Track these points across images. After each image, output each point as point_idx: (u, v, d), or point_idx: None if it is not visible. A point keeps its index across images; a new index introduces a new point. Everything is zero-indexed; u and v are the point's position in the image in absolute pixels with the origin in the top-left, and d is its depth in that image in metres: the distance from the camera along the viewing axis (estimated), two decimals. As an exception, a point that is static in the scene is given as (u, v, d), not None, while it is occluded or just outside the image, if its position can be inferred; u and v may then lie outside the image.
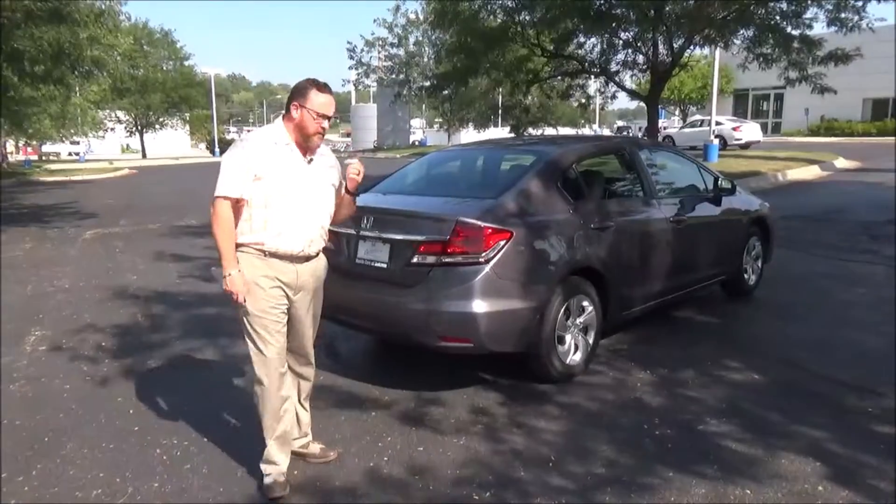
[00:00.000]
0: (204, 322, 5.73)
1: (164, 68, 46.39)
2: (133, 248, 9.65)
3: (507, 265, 3.79)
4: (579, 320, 4.25)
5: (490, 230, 3.77)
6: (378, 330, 4.13)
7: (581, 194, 4.44)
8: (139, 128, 47.66)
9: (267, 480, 3.03)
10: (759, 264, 6.26)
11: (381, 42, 41.51)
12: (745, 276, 6.03)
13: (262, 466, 3.07)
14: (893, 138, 31.22)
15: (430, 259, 3.82)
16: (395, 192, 4.61)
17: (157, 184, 22.37)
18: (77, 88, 22.42)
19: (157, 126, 48.43)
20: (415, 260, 3.87)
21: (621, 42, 15.23)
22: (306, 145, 2.94)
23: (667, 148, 5.46)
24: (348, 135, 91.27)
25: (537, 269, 3.95)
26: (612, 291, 4.41)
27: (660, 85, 14.21)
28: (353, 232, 4.23)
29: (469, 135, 57.91)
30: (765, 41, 13.60)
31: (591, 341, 4.34)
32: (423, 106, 50.54)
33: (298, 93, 2.89)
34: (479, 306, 3.72)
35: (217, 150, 48.01)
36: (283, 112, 2.98)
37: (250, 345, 2.98)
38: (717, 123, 25.70)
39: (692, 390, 4.05)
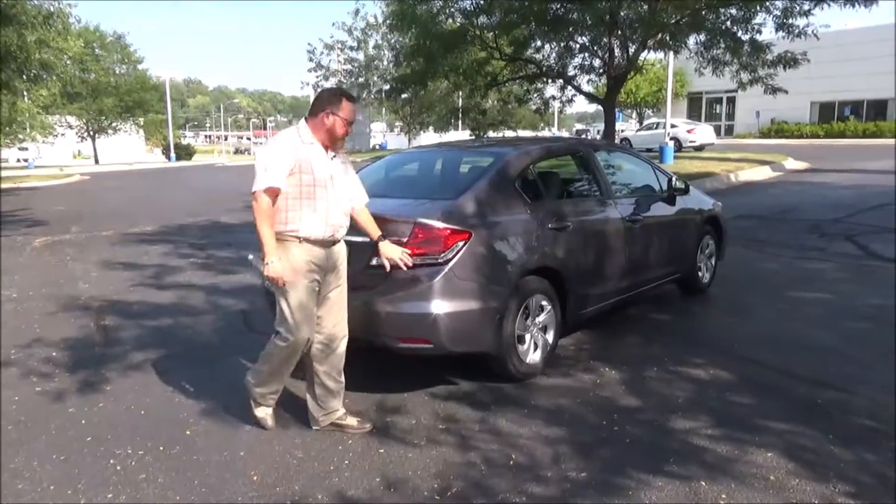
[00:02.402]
0: (158, 332, 5.60)
1: (117, 72, 45.40)
2: (85, 255, 9.40)
3: (466, 266, 3.80)
4: (538, 319, 4.29)
5: (448, 231, 3.78)
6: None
7: (539, 195, 4.49)
8: (91, 133, 46.51)
9: (260, 413, 3.63)
10: (713, 262, 6.40)
11: (340, 45, 41.29)
12: (700, 274, 6.16)
13: (257, 395, 3.62)
14: (842, 140, 32.39)
15: (390, 261, 3.80)
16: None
17: (110, 190, 21.84)
18: (24, 93, 21.78)
19: (109, 131, 47.33)
20: (374, 262, 3.85)
21: (578, 46, 15.44)
22: (333, 146, 3.45)
23: (622, 149, 5.56)
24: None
25: (496, 269, 3.97)
26: (570, 290, 4.46)
27: (616, 88, 14.44)
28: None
29: (429, 138, 58.02)
30: (716, 45, 13.93)
31: (550, 340, 4.38)
32: (384, 109, 50.40)
33: (329, 101, 3.39)
34: (439, 307, 3.72)
35: (173, 155, 47.16)
36: (308, 116, 3.45)
37: (282, 315, 3.39)
38: (672, 126, 26.23)
39: (656, 388, 4.11)
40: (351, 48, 41.33)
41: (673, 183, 5.62)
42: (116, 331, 5.65)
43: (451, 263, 3.75)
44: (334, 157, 3.45)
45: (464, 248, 3.79)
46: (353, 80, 41.32)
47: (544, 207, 4.43)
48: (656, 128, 30.78)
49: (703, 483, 3.00)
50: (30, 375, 4.61)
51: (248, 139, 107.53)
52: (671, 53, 18.49)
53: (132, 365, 4.78)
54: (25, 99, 23.90)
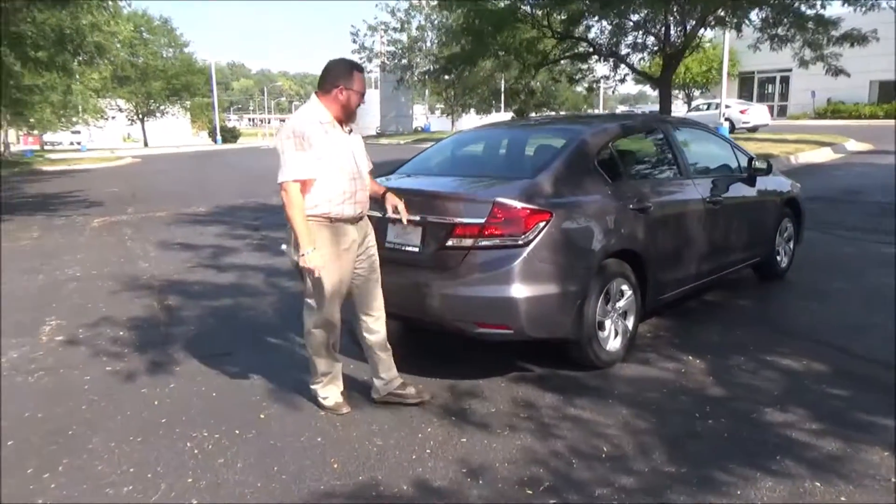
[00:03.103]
0: (220, 312, 5.57)
1: (164, 56, 46.09)
2: (142, 235, 9.48)
3: (547, 248, 3.62)
4: (619, 305, 4.09)
5: (529, 211, 3.60)
6: (410, 317, 3.96)
7: (618, 174, 4.27)
8: (140, 116, 47.40)
9: (329, 403, 3.59)
10: (791, 246, 6.09)
11: (383, 26, 41.10)
12: (778, 258, 5.86)
13: (322, 390, 3.60)
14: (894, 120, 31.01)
15: (466, 242, 3.64)
16: (422, 174, 4.43)
17: (161, 172, 22.16)
18: (78, 76, 22.18)
19: (157, 114, 48.18)
20: (449, 243, 3.70)
21: (631, 24, 14.96)
22: (348, 121, 3.39)
23: (700, 126, 5.28)
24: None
25: (577, 251, 3.78)
26: (651, 274, 4.25)
27: (672, 67, 13.95)
28: (379, 215, 4.06)
29: (471, 120, 57.66)
30: (779, 22, 13.32)
31: (630, 326, 4.18)
32: (426, 91, 50.15)
33: (340, 76, 3.30)
34: (519, 291, 3.55)
35: (219, 137, 47.80)
36: (319, 92, 3.34)
37: (312, 299, 3.40)
38: (725, 107, 25.44)
39: (742, 377, 3.89)
40: (394, 29, 41.11)
41: (753, 163, 5.32)
42: (180, 310, 5.63)
43: (531, 245, 3.57)
44: (350, 131, 3.41)
45: (545, 230, 3.60)
46: (395, 61, 41.16)
47: (624, 187, 4.21)
48: (707, 108, 29.91)
49: (818, 484, 2.78)
50: (99, 355, 4.60)
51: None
52: (727, 30, 17.81)
53: (198, 345, 4.74)
54: (78, 82, 24.39)
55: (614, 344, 4.07)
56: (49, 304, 5.92)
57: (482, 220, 3.59)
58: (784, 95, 40.91)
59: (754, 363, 4.09)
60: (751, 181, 5.32)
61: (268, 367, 4.26)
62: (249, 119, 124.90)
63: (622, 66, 15.59)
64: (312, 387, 3.67)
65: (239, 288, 6.31)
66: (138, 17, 41.46)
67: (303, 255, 3.20)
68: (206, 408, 3.71)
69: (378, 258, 3.59)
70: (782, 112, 39.84)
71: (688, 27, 13.48)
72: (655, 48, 15.13)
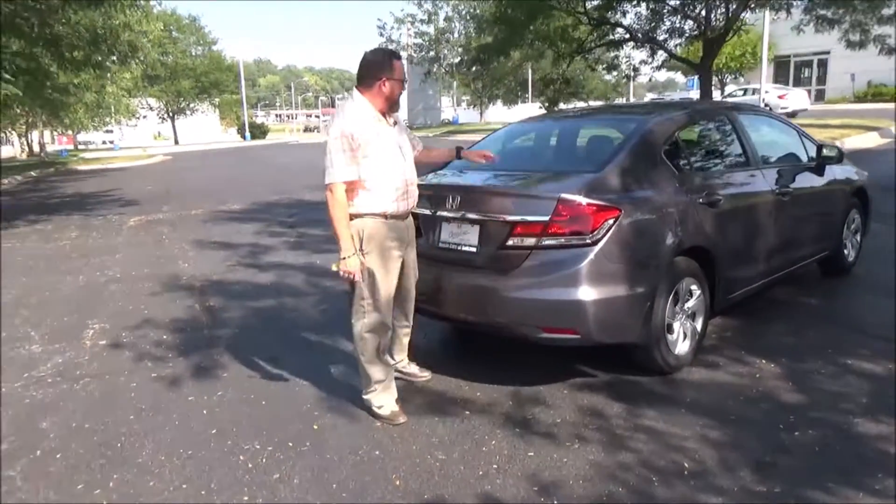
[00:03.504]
0: (263, 313, 5.43)
1: (193, 54, 46.44)
2: (179, 234, 9.43)
3: (616, 246, 3.38)
4: (687, 305, 3.84)
5: (596, 207, 3.36)
6: (468, 320, 3.76)
7: (686, 165, 4.01)
8: (170, 114, 47.89)
9: (384, 412, 3.42)
10: (858, 239, 5.76)
11: (410, 18, 40.87)
12: (845, 251, 5.54)
13: (376, 399, 3.44)
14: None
15: (529, 241, 3.43)
16: (476, 168, 4.21)
17: (193, 170, 22.27)
18: (111, 76, 22.34)
19: (187, 112, 48.63)
20: (510, 242, 3.49)
21: (669, 9, 14.52)
22: (391, 110, 3.35)
23: (766, 113, 4.97)
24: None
25: (647, 250, 3.55)
26: (720, 272, 3.99)
27: (713, 52, 13.50)
28: (430, 213, 3.87)
29: (498, 111, 57.26)
30: (825, 4, 12.79)
31: (699, 328, 3.93)
32: (455, 83, 49.86)
33: (381, 66, 3.24)
34: (587, 293, 3.33)
35: (248, 134, 48.09)
36: (361, 87, 3.27)
37: (362, 302, 3.31)
38: (765, 91, 24.76)
39: (824, 382, 3.62)
40: (421, 21, 40.86)
41: (823, 151, 5.00)
42: (222, 312, 5.51)
43: (600, 244, 3.34)
44: (395, 123, 3.37)
45: (613, 227, 3.37)
46: (423, 53, 40.91)
47: (693, 179, 3.95)
48: (743, 94, 29.18)
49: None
50: (143, 360, 4.49)
51: (317, 117, 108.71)
52: (767, 13, 17.26)
53: (243, 349, 4.60)
54: (111, 83, 24.58)
55: (682, 347, 3.83)
56: (91, 306, 5.85)
57: (546, 218, 3.36)
58: (822, 79, 39.72)
59: (833, 367, 3.82)
60: (819, 170, 5.01)
61: (316, 373, 4.10)
62: (276, 115, 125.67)
63: (660, 52, 15.15)
64: (366, 396, 3.50)
65: (280, 288, 6.17)
66: (167, 16, 41.78)
67: (343, 258, 3.16)
68: (257, 417, 3.56)
69: (416, 256, 3.59)
70: (820, 96, 38.70)
71: (730, 9, 13.02)
72: (694, 33, 14.66)
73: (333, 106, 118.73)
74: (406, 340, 3.82)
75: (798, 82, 39.59)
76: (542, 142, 4.66)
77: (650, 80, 16.06)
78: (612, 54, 16.03)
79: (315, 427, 3.42)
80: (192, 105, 48.31)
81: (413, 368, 3.91)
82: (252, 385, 4.00)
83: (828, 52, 37.04)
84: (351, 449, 3.18)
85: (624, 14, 15.22)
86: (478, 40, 16.68)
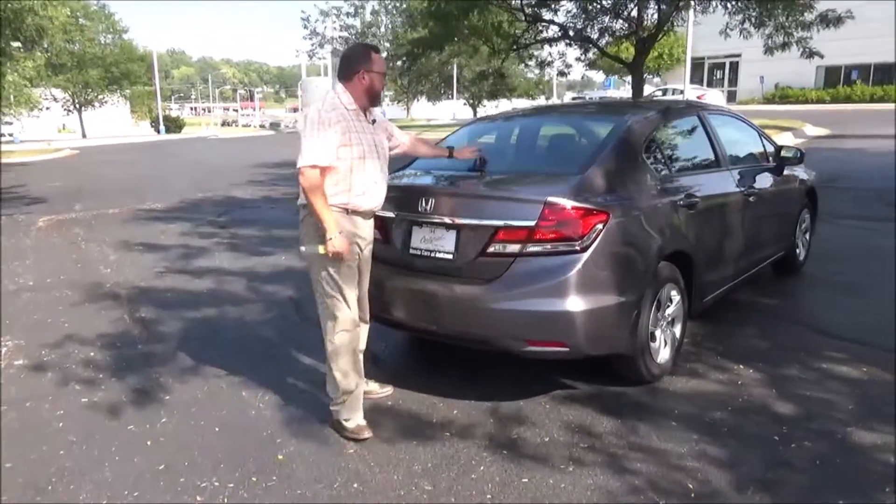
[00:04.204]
0: (204, 325, 4.97)
1: (102, 43, 43.85)
2: (97, 236, 8.69)
3: (605, 252, 3.18)
4: (668, 312, 3.69)
5: (584, 211, 3.15)
6: (443, 333, 3.48)
7: (664, 167, 3.87)
8: (77, 106, 45.06)
9: (351, 425, 3.21)
10: (808, 238, 5.84)
11: (336, 11, 40.01)
12: (797, 251, 5.59)
13: (345, 411, 3.22)
14: (848, 105, 31.83)
15: (512, 248, 3.18)
16: (444, 169, 3.93)
17: (106, 164, 20.93)
18: (10, 65, 20.65)
19: (95, 104, 45.85)
20: (491, 249, 3.23)
21: (599, 8, 14.63)
22: (373, 105, 3.24)
23: (730, 113, 4.92)
24: (296, 110, 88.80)
25: (635, 256, 3.37)
26: (697, 276, 3.88)
27: (644, 51, 13.70)
28: (394, 215, 3.58)
29: (423, 108, 57.03)
30: (751, 6, 13.15)
31: (678, 335, 3.80)
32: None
33: (360, 60, 3.17)
34: (576, 304, 3.11)
35: (162, 127, 45.93)
36: (341, 79, 3.20)
37: (331, 301, 3.16)
38: (680, 92, 25.54)
39: (805, 388, 3.54)
40: (347, 14, 40.05)
41: (782, 151, 5.00)
42: (156, 324, 5.01)
43: (589, 251, 3.13)
44: (374, 121, 3.26)
45: (602, 232, 3.17)
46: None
47: (672, 181, 3.81)
48: (663, 95, 30.08)
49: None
50: (70, 382, 3.98)
51: (235, 111, 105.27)
52: (691, 14, 17.75)
53: (186, 367, 4.16)
54: (11, 72, 22.73)
55: (664, 355, 3.68)
56: (2, 320, 5.21)
57: (531, 223, 3.13)
58: (733, 81, 41.54)
59: (812, 372, 3.76)
60: (779, 171, 5.01)
61: (273, 390, 3.74)
62: (192, 108, 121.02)
63: (592, 50, 15.26)
64: (333, 408, 3.28)
65: (219, 295, 5.70)
66: (74, 2, 39.24)
67: (329, 239, 2.99)
68: (211, 448, 3.17)
69: (371, 261, 3.39)
70: (731, 97, 40.41)
71: (661, 9, 13.22)
72: (624, 33, 14.84)
73: (252, 99, 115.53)
74: (361, 358, 3.46)
75: (711, 83, 41.25)
76: (512, 141, 4.41)
77: (566, 76, 16.09)
78: (546, 51, 16.08)
79: (280, 457, 3.07)
80: (100, 96, 45.50)
81: (372, 385, 3.65)
82: (201, 409, 3.58)
83: (739, 55, 38.80)
84: (325, 482, 2.85)
85: (556, 12, 15.25)
86: (405, 35, 16.32)
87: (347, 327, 3.18)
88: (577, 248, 3.12)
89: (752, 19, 12.73)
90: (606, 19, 14.67)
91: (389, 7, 37.05)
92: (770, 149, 5.07)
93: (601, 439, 3.11)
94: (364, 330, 3.53)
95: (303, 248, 3.18)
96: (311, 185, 2.98)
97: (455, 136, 4.51)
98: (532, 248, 3.15)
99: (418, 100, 54.92)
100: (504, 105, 57.70)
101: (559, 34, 14.47)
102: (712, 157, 4.32)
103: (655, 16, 13.58)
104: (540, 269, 3.15)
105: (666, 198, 3.64)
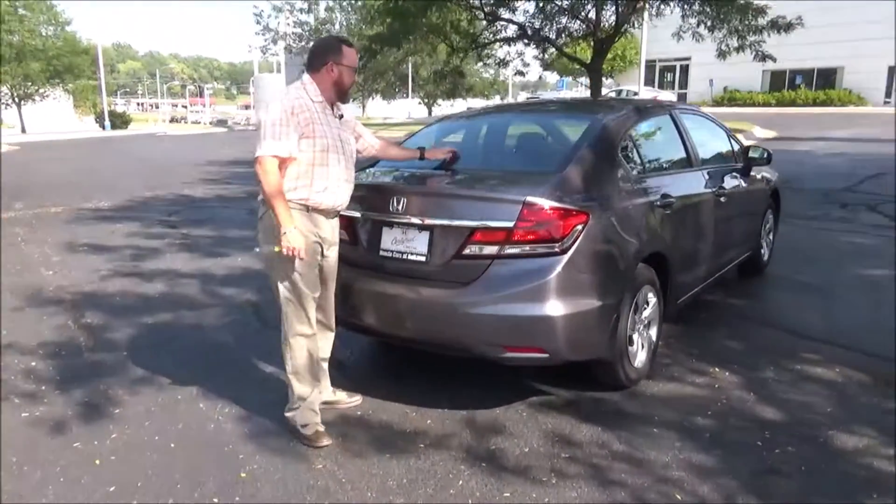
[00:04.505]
0: (158, 331, 4.69)
1: (43, 34, 42.15)
2: (38, 236, 8.22)
3: (585, 255, 3.07)
4: (644, 315, 3.61)
5: (564, 211, 3.03)
6: (415, 339, 3.31)
7: (640, 166, 3.78)
8: (16, 100, 43.21)
9: (308, 431, 3.07)
10: (771, 238, 5.87)
11: (289, 7, 39.27)
12: (762, 251, 5.61)
13: (300, 417, 3.09)
14: (793, 108, 32.82)
15: (489, 250, 3.04)
16: (414, 167, 3.77)
17: (48, 161, 20.02)
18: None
19: (36, 98, 44.05)
20: (467, 251, 3.09)
21: (556, 8, 14.63)
22: (341, 100, 3.12)
23: (700, 112, 4.88)
24: (248, 107, 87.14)
25: (615, 257, 3.26)
26: (673, 278, 3.80)
27: (603, 52, 13.75)
28: (361, 215, 3.41)
29: (378, 106, 56.65)
30: (703, 11, 13.32)
31: (654, 338, 3.72)
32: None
33: (330, 51, 3.03)
34: (556, 308, 2.99)
35: (108, 123, 44.45)
36: (309, 70, 3.07)
37: (289, 302, 3.01)
38: (634, 94, 25.94)
39: (787, 393, 3.49)
40: (300, 10, 39.37)
41: (750, 151, 4.99)
42: (104, 331, 4.71)
43: (569, 252, 3.01)
44: (341, 116, 3.13)
45: (582, 234, 3.05)
46: (302, 44, 39.46)
47: (647, 181, 3.73)
48: (618, 96, 30.45)
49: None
50: (9, 396, 3.67)
51: (185, 107, 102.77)
52: (646, 16, 17.94)
53: (137, 377, 3.89)
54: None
55: (641, 358, 3.59)
56: (-68, 327, 4.82)
57: (510, 224, 2.99)
58: (683, 83, 42.39)
59: (787, 374, 3.73)
60: (746, 171, 5.00)
61: (233, 401, 3.52)
62: (139, 104, 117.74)
63: (550, 50, 15.27)
64: (288, 414, 3.16)
65: (172, 299, 5.41)
66: (12, -10, 37.60)
67: (284, 233, 2.82)
68: (167, 466, 2.93)
69: (337, 264, 3.23)
70: (682, 100, 41.17)
71: (619, 11, 13.29)
72: (581, 33, 14.88)
73: (202, 95, 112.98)
74: (324, 367, 3.37)
75: (662, 86, 42.05)
76: (483, 139, 4.26)
77: (524, 76, 16.06)
78: (505, 51, 16.04)
79: (243, 475, 2.86)
80: (41, 90, 43.75)
81: (340, 395, 3.49)
82: (154, 423, 3.34)
83: (689, 59, 39.66)
84: (293, 501, 2.66)
85: (513, 11, 15.20)
86: (360, 32, 16.04)
87: (305, 332, 3.05)
88: (557, 249, 3.00)
89: (707, 23, 12.88)
90: (564, 20, 14.67)
91: (344, 4, 36.61)
92: (737, 149, 5.06)
93: (582, 449, 3.00)
94: (329, 338, 3.39)
95: (258, 249, 3.02)
96: (269, 175, 2.82)
97: (422, 135, 4.35)
98: (510, 250, 3.02)
99: (373, 98, 54.56)
100: (460, 104, 57.77)
101: (518, 33, 14.42)
102: (684, 156, 4.26)
103: (613, 17, 13.63)
104: (518, 272, 3.02)
105: (643, 198, 3.55)
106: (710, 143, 4.74)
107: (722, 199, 4.44)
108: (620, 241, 3.30)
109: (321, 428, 3.11)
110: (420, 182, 3.54)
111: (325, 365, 3.39)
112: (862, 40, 32.97)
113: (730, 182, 4.67)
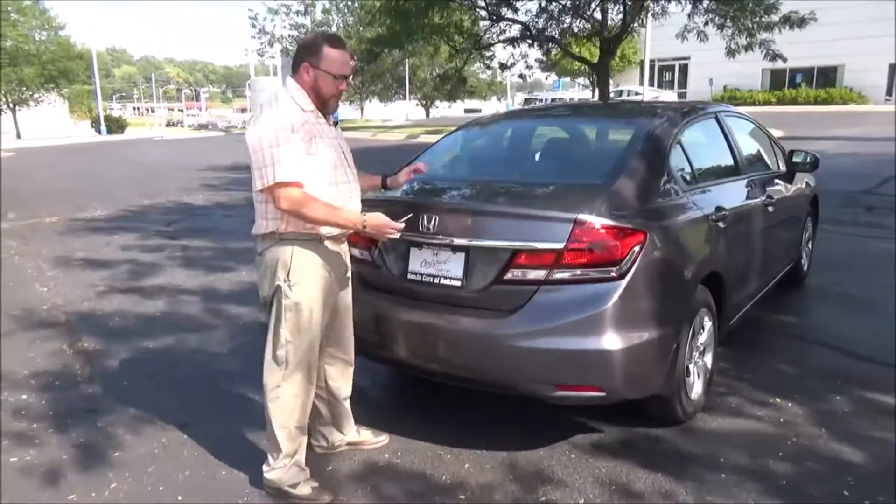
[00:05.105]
0: (161, 357, 4.34)
1: (37, 39, 41.75)
2: (32, 249, 7.85)
3: (644, 279, 2.72)
4: (700, 341, 3.26)
5: (620, 231, 2.69)
6: (453, 374, 2.96)
7: (691, 176, 3.44)
8: (10, 105, 42.81)
9: (302, 491, 2.69)
10: (810, 247, 5.53)
11: (285, 9, 38.91)
12: (802, 261, 5.27)
13: (288, 477, 2.69)
14: (794, 107, 32.55)
15: (535, 274, 2.70)
16: (443, 179, 3.41)
17: (44, 167, 19.65)
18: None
19: (31, 103, 43.65)
20: (509, 276, 2.74)
21: (560, 7, 14.32)
22: (322, 109, 2.63)
23: (742, 115, 4.53)
24: (244, 110, 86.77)
25: (674, 280, 2.92)
26: (727, 298, 3.46)
27: (610, 51, 13.44)
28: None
29: (375, 108, 56.36)
30: (714, 10, 13.02)
31: (709, 365, 3.37)
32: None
33: (308, 50, 2.57)
34: (614, 341, 2.64)
35: (104, 128, 44.07)
36: (292, 73, 2.63)
37: (289, 346, 2.61)
38: (636, 94, 25.64)
39: (858, 426, 3.14)
40: (297, 13, 39.01)
41: (794, 156, 4.66)
42: (102, 357, 4.35)
43: (627, 277, 2.66)
44: (336, 123, 2.76)
45: (640, 255, 2.70)
46: (299, 46, 39.12)
47: (700, 192, 3.38)
48: (621, 95, 30.18)
49: None
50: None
51: (181, 111, 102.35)
52: (649, 17, 17.64)
53: (138, 414, 3.53)
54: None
55: (697, 389, 3.25)
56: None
57: (560, 246, 2.64)
58: (683, 83, 42.13)
59: (859, 406, 3.37)
60: (790, 177, 4.66)
61: (246, 443, 3.16)
62: (135, 108, 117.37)
63: (555, 51, 14.95)
64: (270, 475, 2.71)
65: (174, 320, 5.06)
66: (5, -5, 37.18)
67: (364, 228, 2.57)
68: (175, 524, 2.58)
69: (351, 288, 2.89)
70: (682, 99, 41.04)
71: (627, 9, 12.98)
72: (587, 33, 14.57)
73: (197, 99, 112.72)
74: (347, 406, 3.04)
75: (661, 85, 41.78)
76: (516, 147, 3.90)
77: (527, 79, 15.81)
78: (509, 52, 15.71)
79: (261, 530, 2.51)
80: (36, 95, 43.34)
81: (366, 434, 3.13)
82: (158, 469, 2.98)
83: (688, 58, 39.38)
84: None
85: (515, 11, 14.88)
86: (358, 34, 15.71)
87: (294, 379, 2.66)
88: (614, 274, 2.65)
89: (717, 20, 12.57)
90: (568, 19, 14.35)
91: (341, 6, 36.23)
92: (779, 154, 4.72)
93: (644, 499, 2.65)
94: (348, 374, 3.02)
95: (264, 295, 2.63)
96: (307, 197, 2.45)
97: (446, 142, 4.00)
98: (559, 275, 2.67)
99: (370, 100, 54.32)
100: (457, 106, 57.39)
101: (521, 33, 14.10)
102: (732, 163, 3.92)
103: (620, 16, 13.31)
104: (570, 300, 2.67)
105: (697, 211, 3.21)
106: (754, 147, 4.40)
107: (770, 208, 4.10)
108: (680, 262, 2.96)
109: (315, 483, 2.75)
110: (453, 196, 3.18)
111: (347, 404, 3.04)
112: (862, 38, 32.72)
113: (775, 189, 4.33)
